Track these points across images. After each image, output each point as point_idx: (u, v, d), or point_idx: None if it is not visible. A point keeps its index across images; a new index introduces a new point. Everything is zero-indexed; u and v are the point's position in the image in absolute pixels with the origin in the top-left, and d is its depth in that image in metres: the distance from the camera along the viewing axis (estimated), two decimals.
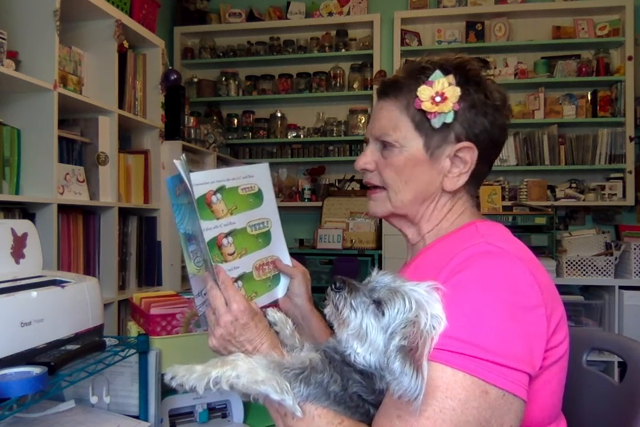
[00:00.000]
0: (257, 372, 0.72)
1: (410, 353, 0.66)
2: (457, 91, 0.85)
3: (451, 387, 0.68)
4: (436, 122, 0.86)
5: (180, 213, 0.91)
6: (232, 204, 0.90)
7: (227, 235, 0.89)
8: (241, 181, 0.93)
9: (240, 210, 0.92)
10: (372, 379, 0.73)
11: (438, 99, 0.85)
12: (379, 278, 0.74)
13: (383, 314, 0.70)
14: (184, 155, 0.86)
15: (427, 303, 0.70)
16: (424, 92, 0.86)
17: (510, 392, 0.70)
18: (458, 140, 0.88)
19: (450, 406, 0.68)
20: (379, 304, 0.71)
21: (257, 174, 0.96)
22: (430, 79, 0.87)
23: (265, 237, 0.98)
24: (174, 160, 0.84)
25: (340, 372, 0.74)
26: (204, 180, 0.86)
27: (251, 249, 0.94)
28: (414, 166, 0.90)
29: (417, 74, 0.89)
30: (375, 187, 0.95)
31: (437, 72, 0.87)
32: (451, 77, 0.86)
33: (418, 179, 0.90)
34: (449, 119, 0.86)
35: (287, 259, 1.03)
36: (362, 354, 0.71)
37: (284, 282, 1.03)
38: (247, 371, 0.72)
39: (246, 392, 0.73)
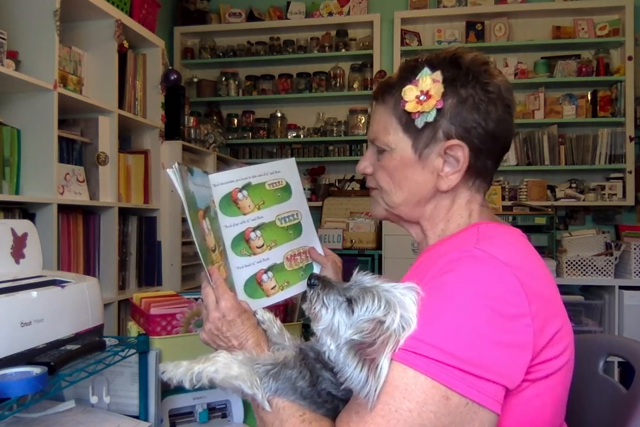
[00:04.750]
0: (231, 367, 0.77)
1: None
2: (440, 88, 0.83)
3: (410, 388, 0.67)
4: (419, 122, 0.85)
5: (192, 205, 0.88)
6: (259, 199, 0.96)
7: (254, 229, 0.94)
8: (268, 177, 0.98)
9: (268, 205, 0.97)
10: None
11: (423, 97, 0.83)
12: (359, 278, 0.76)
13: (353, 311, 0.71)
14: (176, 164, 0.84)
15: (399, 304, 0.69)
16: (409, 93, 0.84)
17: (475, 402, 0.67)
18: (448, 138, 0.85)
19: (407, 407, 0.67)
20: (350, 302, 0.72)
21: (284, 169, 1.02)
22: (416, 78, 0.85)
23: (296, 229, 1.03)
24: (167, 170, 0.85)
25: (312, 369, 0.77)
26: (227, 179, 0.91)
27: (282, 241, 0.99)
28: (405, 168, 0.89)
29: (407, 73, 0.87)
30: (374, 188, 0.96)
31: (425, 70, 0.84)
32: (438, 74, 0.84)
33: (410, 181, 0.89)
34: (431, 117, 0.84)
35: (319, 248, 1.07)
36: (334, 350, 0.71)
37: (316, 271, 1.06)
38: (223, 367, 0.78)
39: (224, 387, 0.78)
